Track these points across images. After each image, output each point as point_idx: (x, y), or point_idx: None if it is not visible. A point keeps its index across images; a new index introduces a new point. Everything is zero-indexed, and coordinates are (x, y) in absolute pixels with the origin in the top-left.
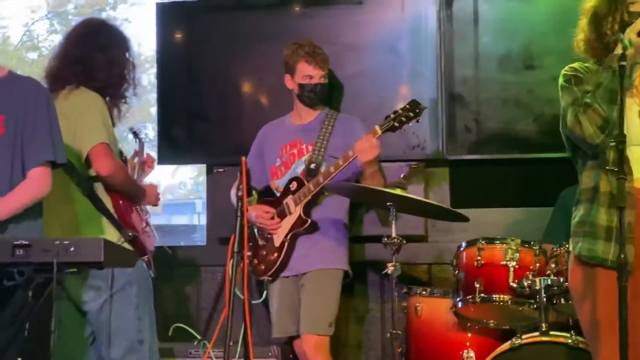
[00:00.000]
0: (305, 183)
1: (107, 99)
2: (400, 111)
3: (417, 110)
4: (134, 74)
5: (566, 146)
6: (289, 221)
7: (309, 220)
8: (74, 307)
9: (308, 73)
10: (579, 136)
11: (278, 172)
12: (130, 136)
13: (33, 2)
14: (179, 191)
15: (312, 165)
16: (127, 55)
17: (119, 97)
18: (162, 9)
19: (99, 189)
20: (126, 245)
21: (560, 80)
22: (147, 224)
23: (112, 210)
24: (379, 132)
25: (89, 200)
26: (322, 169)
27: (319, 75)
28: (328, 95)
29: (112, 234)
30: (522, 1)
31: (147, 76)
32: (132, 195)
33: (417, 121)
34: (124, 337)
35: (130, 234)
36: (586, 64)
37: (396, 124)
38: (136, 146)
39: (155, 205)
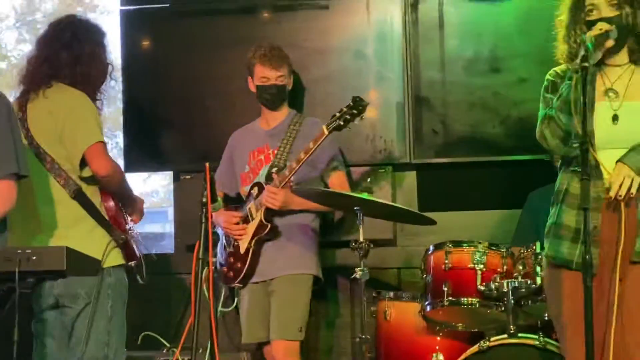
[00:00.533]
0: (265, 187)
1: None
2: (344, 109)
3: (361, 108)
4: (107, 70)
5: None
6: (251, 227)
7: (269, 225)
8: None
9: (264, 74)
10: (546, 147)
11: (247, 178)
12: None
13: (1, 11)
14: (151, 199)
15: (274, 170)
16: (96, 50)
17: (91, 95)
18: (126, 16)
19: (89, 190)
20: (115, 249)
21: (544, 85)
22: (132, 230)
23: (103, 212)
24: (326, 132)
25: (77, 202)
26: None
27: (274, 77)
28: (288, 96)
29: (101, 237)
30: (488, 4)
31: (117, 84)
32: (124, 198)
33: (361, 118)
34: (89, 349)
35: (122, 236)
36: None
37: (341, 122)
38: None
39: (139, 219)
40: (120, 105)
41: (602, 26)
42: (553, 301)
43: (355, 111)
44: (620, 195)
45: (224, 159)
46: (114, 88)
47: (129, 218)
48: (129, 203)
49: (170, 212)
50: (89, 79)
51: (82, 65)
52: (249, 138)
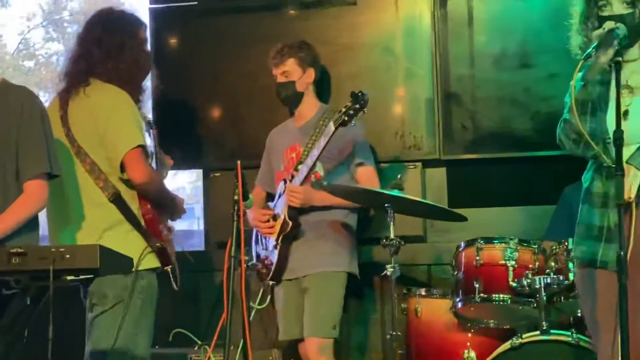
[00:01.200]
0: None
1: None
2: (348, 104)
3: (362, 102)
4: (141, 62)
5: None
6: (278, 224)
7: (291, 223)
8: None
9: (273, 73)
10: (566, 150)
11: (282, 177)
12: None
13: (28, 10)
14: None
15: (299, 167)
16: (127, 42)
17: (130, 90)
18: (155, 14)
19: (127, 194)
20: (150, 253)
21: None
22: (171, 234)
23: (139, 217)
24: (333, 127)
25: (115, 206)
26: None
27: (279, 73)
28: (314, 90)
29: (137, 242)
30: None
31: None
32: (163, 203)
33: (364, 112)
34: (114, 349)
35: (158, 244)
36: None
37: (345, 117)
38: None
39: (179, 217)
40: (149, 102)
41: (607, 25)
42: (584, 300)
43: (357, 106)
44: (629, 198)
45: (264, 158)
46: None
47: (169, 222)
48: (168, 206)
49: (198, 208)
50: (121, 73)
51: (112, 59)
52: (283, 136)
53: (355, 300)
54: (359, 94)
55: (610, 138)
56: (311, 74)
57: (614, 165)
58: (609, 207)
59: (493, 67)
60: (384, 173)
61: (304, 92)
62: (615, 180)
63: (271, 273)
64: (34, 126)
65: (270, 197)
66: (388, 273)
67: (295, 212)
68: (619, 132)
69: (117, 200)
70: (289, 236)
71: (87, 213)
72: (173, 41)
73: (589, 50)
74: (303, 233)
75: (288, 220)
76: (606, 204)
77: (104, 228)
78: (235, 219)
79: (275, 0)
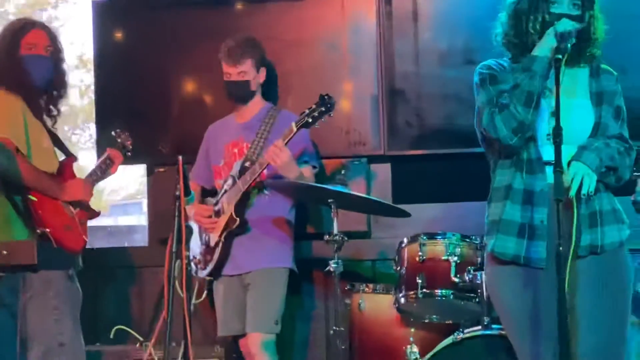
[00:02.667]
0: (237, 182)
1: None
2: (313, 106)
3: (329, 105)
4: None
5: (480, 143)
6: (222, 220)
7: (238, 220)
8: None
9: (226, 71)
10: (492, 136)
11: (222, 171)
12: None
13: None
14: (126, 192)
15: (247, 164)
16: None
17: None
18: (98, 7)
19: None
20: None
21: (475, 79)
22: (78, 220)
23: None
24: (295, 128)
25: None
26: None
27: (235, 72)
28: (260, 88)
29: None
30: None
31: (89, 76)
32: (42, 190)
33: (330, 115)
34: (40, 341)
35: (39, 230)
36: (500, 61)
37: (309, 119)
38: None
39: (85, 200)
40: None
41: (568, 25)
42: (501, 297)
43: (323, 109)
44: (583, 195)
45: (200, 152)
46: (82, 81)
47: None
48: (52, 193)
49: (145, 204)
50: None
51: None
52: (224, 131)
53: (298, 296)
54: (326, 96)
55: (549, 134)
56: (263, 73)
57: (535, 163)
58: (534, 204)
59: (438, 63)
60: (325, 168)
61: (255, 90)
62: (555, 176)
63: (210, 268)
64: None
65: (205, 191)
66: (331, 269)
67: (242, 208)
68: (558, 129)
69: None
70: (233, 232)
71: None
72: (117, 35)
73: (544, 42)
74: (246, 230)
75: (235, 216)
76: (529, 201)
77: None
78: (176, 214)
79: None
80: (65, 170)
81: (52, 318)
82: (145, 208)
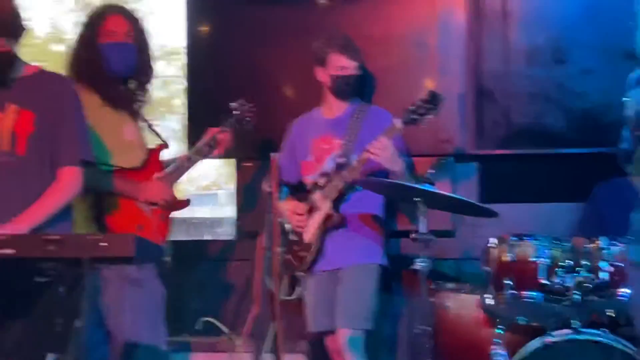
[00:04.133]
0: (333, 178)
1: None
2: (419, 102)
3: (436, 103)
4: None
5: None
6: (318, 217)
7: (337, 216)
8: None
9: (341, 64)
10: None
11: (310, 167)
12: None
13: None
14: (201, 182)
15: (341, 160)
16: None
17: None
18: (190, 2)
19: None
20: None
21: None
22: (159, 215)
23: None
24: (400, 125)
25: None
26: (352, 163)
27: (352, 67)
28: (360, 87)
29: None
30: None
31: (172, 67)
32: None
33: (436, 113)
34: (120, 336)
35: None
36: None
37: (415, 116)
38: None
39: (155, 202)
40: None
41: None
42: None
43: (430, 105)
44: None
45: (285, 146)
46: (164, 73)
47: None
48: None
49: (221, 195)
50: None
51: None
52: (311, 126)
53: (384, 294)
54: (434, 92)
55: None
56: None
57: None
58: None
59: (526, 62)
60: (415, 167)
61: None
62: None
63: (305, 265)
64: (68, 113)
65: (290, 186)
66: (418, 267)
67: (337, 205)
68: None
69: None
70: (329, 228)
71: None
72: (207, 29)
73: None
74: (342, 226)
75: (332, 212)
76: None
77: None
78: (269, 211)
79: None
80: (151, 160)
81: (131, 314)
82: (222, 200)
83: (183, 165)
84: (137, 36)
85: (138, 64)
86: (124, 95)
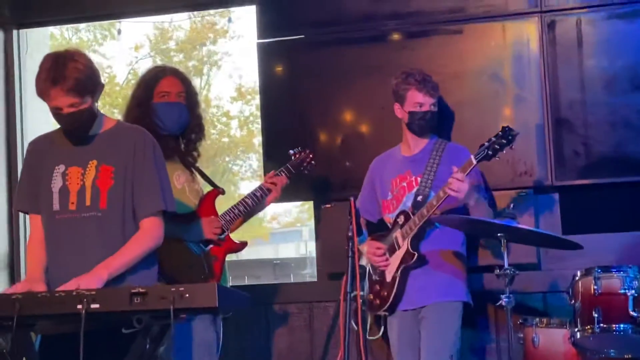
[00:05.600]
0: (412, 216)
1: None
2: (493, 139)
3: (510, 137)
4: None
5: None
6: (398, 255)
7: (416, 254)
8: None
9: (418, 100)
10: None
11: (390, 205)
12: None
13: (136, 41)
14: (284, 219)
15: (419, 198)
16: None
17: None
18: (262, 48)
19: None
20: None
21: None
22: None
23: None
24: (474, 162)
25: None
26: (430, 200)
27: (429, 103)
28: (437, 123)
29: None
30: (626, 21)
31: (249, 107)
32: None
33: (511, 147)
34: None
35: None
36: None
37: (490, 152)
38: None
39: (211, 238)
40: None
41: None
42: None
43: (504, 141)
44: None
45: (365, 185)
46: (242, 112)
47: None
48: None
49: (305, 231)
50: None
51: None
52: (390, 165)
53: (470, 330)
54: (507, 128)
55: None
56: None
57: None
58: None
59: (604, 90)
60: (495, 201)
61: None
62: None
63: (388, 304)
64: (147, 165)
65: (370, 225)
66: (503, 303)
67: (417, 243)
68: None
69: None
70: (410, 267)
71: None
72: (280, 74)
73: None
74: (423, 264)
75: (412, 251)
76: None
77: None
78: (350, 255)
79: (381, 31)
80: (204, 203)
81: None
82: (305, 236)
83: (237, 209)
84: (189, 97)
85: (189, 122)
86: (173, 149)
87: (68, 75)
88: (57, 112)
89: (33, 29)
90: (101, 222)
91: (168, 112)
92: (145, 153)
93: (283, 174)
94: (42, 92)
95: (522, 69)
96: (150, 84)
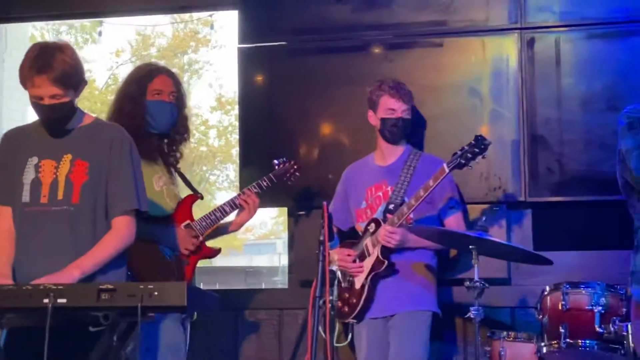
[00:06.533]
0: (382, 224)
1: None
2: (466, 147)
3: (483, 146)
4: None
5: (621, 191)
6: (368, 263)
7: (386, 262)
8: None
9: (390, 106)
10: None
11: (364, 214)
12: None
13: (117, 46)
14: (259, 231)
15: (391, 206)
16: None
17: None
18: (243, 53)
19: None
20: None
21: (622, 122)
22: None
23: None
24: (447, 169)
25: None
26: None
27: (401, 109)
28: (411, 132)
29: None
30: (605, 41)
31: (228, 117)
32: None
33: (483, 157)
34: None
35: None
36: None
37: (462, 160)
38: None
39: (186, 249)
40: (230, 138)
41: None
42: None
43: (477, 149)
44: None
45: (338, 193)
46: (220, 122)
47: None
48: None
49: (279, 244)
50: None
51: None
52: (364, 174)
53: (438, 342)
54: (480, 137)
55: None
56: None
57: None
58: None
59: (580, 109)
60: (469, 215)
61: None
62: None
63: (356, 312)
64: (123, 163)
65: (341, 234)
66: (472, 315)
67: (388, 251)
68: None
69: None
70: (380, 275)
71: None
72: (260, 80)
73: None
74: (393, 272)
75: (382, 259)
76: None
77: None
78: (320, 259)
79: (362, 41)
80: (181, 207)
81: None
82: (279, 248)
83: (214, 215)
84: (179, 97)
85: (176, 122)
86: (157, 149)
87: (55, 65)
88: (37, 102)
89: (13, 24)
90: (72, 216)
91: (161, 111)
92: (122, 151)
93: (264, 184)
94: (26, 79)
95: (500, 85)
96: (143, 81)
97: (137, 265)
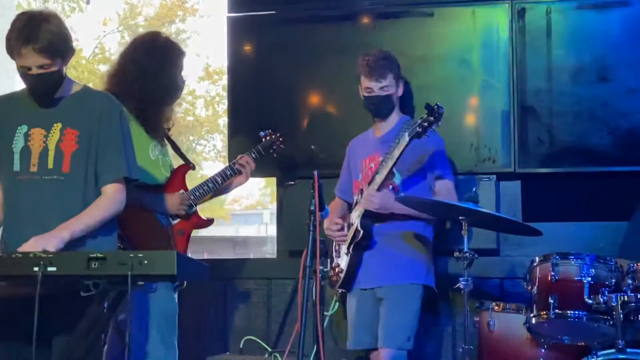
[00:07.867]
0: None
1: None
2: (423, 116)
3: (437, 115)
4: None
5: None
6: (351, 232)
7: (362, 232)
8: None
9: (367, 85)
10: None
11: (360, 186)
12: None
13: (104, 15)
14: (246, 201)
15: (376, 177)
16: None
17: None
18: (232, 22)
19: None
20: None
21: None
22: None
23: None
24: (407, 138)
25: None
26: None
27: (377, 87)
28: (398, 102)
29: None
30: (597, 12)
31: (215, 87)
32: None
33: (438, 125)
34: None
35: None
36: None
37: (419, 129)
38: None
39: (179, 213)
40: (218, 108)
41: None
42: None
43: (432, 118)
44: None
45: (344, 167)
46: (208, 92)
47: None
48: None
49: (266, 214)
50: (148, 94)
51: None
52: (362, 146)
53: (429, 313)
54: (435, 106)
55: None
56: (402, 87)
57: None
58: None
59: (571, 80)
60: (459, 185)
61: (395, 105)
62: None
63: (341, 280)
64: (113, 131)
65: (350, 206)
66: (461, 286)
67: (369, 221)
68: None
69: None
70: (360, 245)
71: None
72: (249, 48)
73: None
74: (377, 243)
75: (360, 228)
76: None
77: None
78: (311, 229)
79: (352, 10)
80: (175, 177)
81: (139, 330)
82: (265, 219)
83: (207, 185)
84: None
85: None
86: (156, 118)
87: (41, 35)
88: (25, 72)
89: None
90: (63, 186)
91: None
92: (112, 119)
93: (253, 155)
94: (13, 49)
95: (491, 55)
96: (171, 58)
97: (134, 232)
